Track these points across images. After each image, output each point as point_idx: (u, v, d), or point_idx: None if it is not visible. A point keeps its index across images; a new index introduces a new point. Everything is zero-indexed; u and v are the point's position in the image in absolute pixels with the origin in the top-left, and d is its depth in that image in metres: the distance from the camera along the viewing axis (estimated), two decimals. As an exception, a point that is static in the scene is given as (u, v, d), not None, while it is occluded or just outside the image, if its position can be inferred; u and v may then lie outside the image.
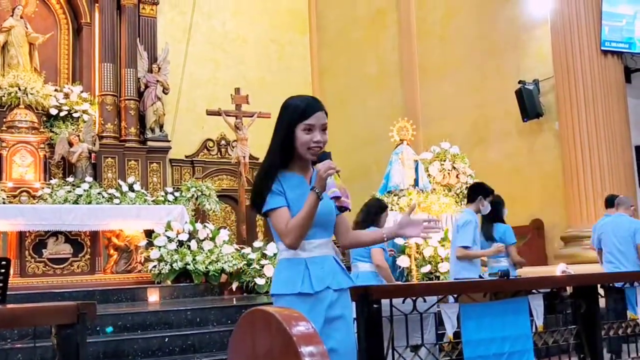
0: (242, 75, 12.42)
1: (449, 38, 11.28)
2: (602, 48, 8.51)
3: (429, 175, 8.82)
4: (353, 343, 2.62)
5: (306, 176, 2.58)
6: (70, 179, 9.56)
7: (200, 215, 10.49)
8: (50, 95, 10.20)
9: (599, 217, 6.89)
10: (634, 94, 9.14)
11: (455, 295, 3.49)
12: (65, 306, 2.37)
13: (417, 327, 3.41)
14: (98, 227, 8.82)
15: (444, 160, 8.98)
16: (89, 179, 9.63)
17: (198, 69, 12.22)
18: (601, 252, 6.43)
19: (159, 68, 10.95)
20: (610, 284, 4.60)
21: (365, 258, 5.36)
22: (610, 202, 6.64)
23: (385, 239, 2.68)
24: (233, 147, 11.23)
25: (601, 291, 4.15)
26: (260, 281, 8.01)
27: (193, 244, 8.43)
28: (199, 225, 8.78)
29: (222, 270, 8.23)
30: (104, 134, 10.36)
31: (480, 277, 5.13)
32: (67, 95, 10.51)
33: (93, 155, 9.97)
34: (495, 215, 5.77)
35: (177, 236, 8.50)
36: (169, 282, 8.22)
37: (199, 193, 10.31)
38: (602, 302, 4.14)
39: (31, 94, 9.79)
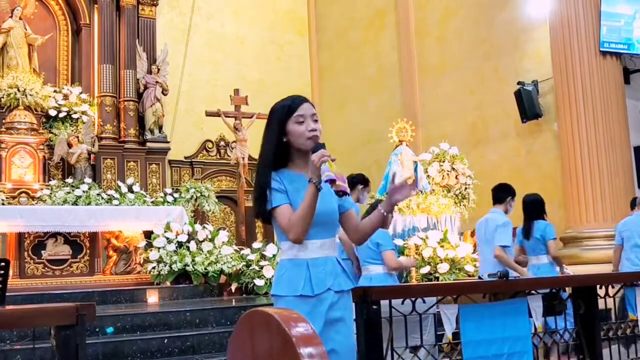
0: (241, 77, 12.42)
1: (447, 39, 11.29)
2: (601, 49, 8.51)
3: (428, 176, 8.82)
4: (353, 345, 2.62)
5: (307, 173, 2.56)
6: (69, 180, 9.55)
7: (199, 216, 10.49)
8: (50, 97, 10.20)
9: (598, 218, 6.94)
10: (633, 95, 9.15)
11: (454, 296, 3.49)
12: (64, 307, 2.36)
13: (416, 328, 3.41)
14: (97, 228, 8.82)
15: (443, 161, 8.98)
16: (88, 180, 9.63)
17: (197, 70, 12.22)
18: (620, 249, 6.48)
19: (158, 69, 10.95)
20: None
21: (377, 260, 5.27)
22: (633, 203, 6.90)
23: (385, 213, 2.63)
24: (232, 148, 11.23)
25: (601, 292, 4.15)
26: (259, 282, 8.01)
27: (192, 245, 8.43)
28: (198, 227, 8.78)
29: (222, 272, 8.23)
30: (103, 135, 10.35)
31: (480, 278, 5.15)
32: (66, 97, 10.50)
33: (92, 156, 9.97)
34: (537, 213, 5.94)
35: (176, 237, 8.51)
36: (168, 283, 8.22)
37: (198, 194, 10.31)
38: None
39: (30, 95, 9.79)
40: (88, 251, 8.97)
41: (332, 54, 13.68)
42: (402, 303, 3.30)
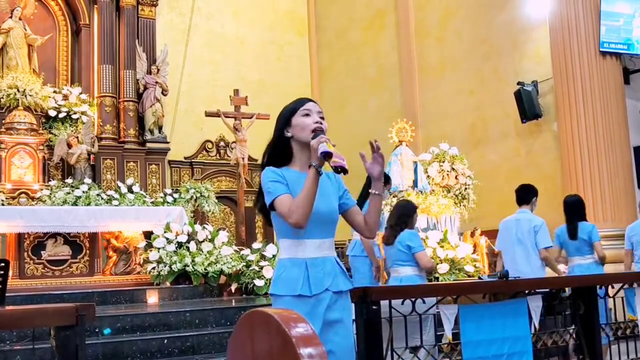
0: (241, 77, 12.41)
1: (447, 39, 11.29)
2: (601, 49, 8.52)
3: (428, 176, 8.82)
4: (351, 346, 2.62)
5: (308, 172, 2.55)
6: (69, 181, 9.55)
7: (199, 216, 10.49)
8: (49, 97, 10.20)
9: (598, 219, 6.95)
10: (633, 95, 9.15)
11: (454, 297, 3.49)
12: (64, 308, 2.37)
13: (416, 329, 3.41)
14: (97, 229, 8.81)
15: (443, 162, 8.98)
16: (88, 180, 9.62)
17: (197, 70, 12.22)
18: (630, 253, 6.51)
19: (158, 69, 10.95)
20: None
21: (406, 262, 5.25)
22: None
23: (376, 193, 2.64)
24: (232, 149, 11.22)
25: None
26: (259, 282, 8.00)
27: (192, 246, 8.43)
28: (198, 227, 8.77)
29: (221, 272, 8.22)
30: (103, 136, 10.35)
31: (480, 278, 5.15)
32: (66, 97, 10.50)
33: (92, 156, 9.97)
34: (580, 214, 6.08)
35: (176, 237, 8.50)
36: (168, 284, 8.21)
37: (198, 194, 10.31)
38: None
39: (30, 95, 9.79)
40: (88, 251, 8.97)
41: (332, 54, 13.68)
42: (402, 303, 3.30)
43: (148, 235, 8.81)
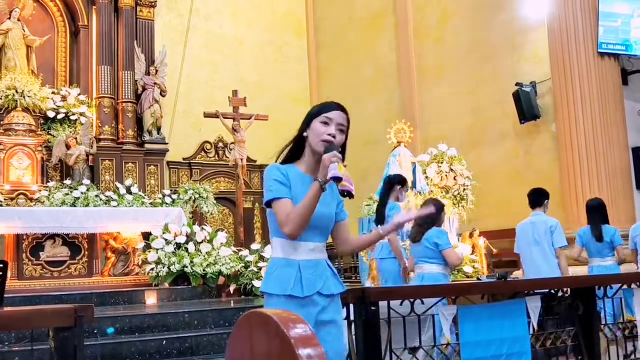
0: (239, 78, 12.42)
1: (446, 40, 11.30)
2: (599, 50, 8.53)
3: (426, 177, 8.83)
4: (342, 348, 2.63)
5: (314, 177, 2.52)
6: (67, 182, 9.54)
7: (198, 217, 10.49)
8: (48, 98, 10.20)
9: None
10: (631, 96, 9.15)
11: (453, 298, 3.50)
12: (62, 309, 2.36)
13: (415, 330, 3.41)
14: (96, 230, 8.81)
15: (442, 163, 8.99)
16: (86, 181, 9.62)
17: (196, 71, 12.23)
18: (636, 253, 6.56)
19: (157, 71, 10.95)
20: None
21: (433, 259, 5.29)
22: None
23: (382, 234, 2.68)
24: (231, 150, 11.22)
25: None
26: (258, 284, 8.00)
27: (191, 247, 8.43)
28: (196, 228, 8.77)
29: (220, 273, 8.22)
30: (102, 137, 10.35)
31: (479, 279, 5.18)
32: (64, 98, 10.50)
33: (91, 157, 9.96)
34: (603, 217, 6.30)
35: (174, 239, 8.50)
36: (166, 285, 8.21)
37: (197, 195, 10.30)
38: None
39: (29, 96, 9.79)
40: (86, 253, 8.96)
41: (331, 55, 13.69)
42: (401, 304, 3.30)
43: (147, 236, 8.81)
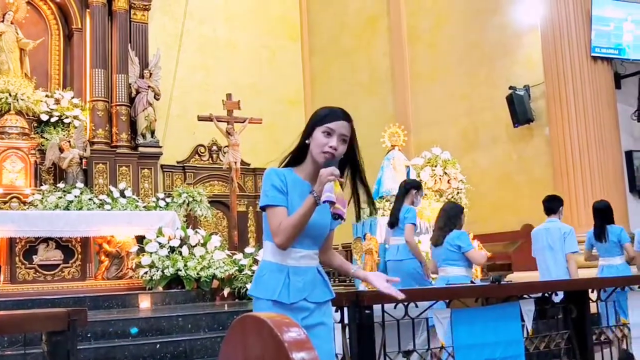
0: (233, 81, 12.41)
1: (439, 44, 11.33)
2: (592, 54, 8.57)
3: (420, 180, 8.83)
4: (331, 350, 2.62)
5: (312, 184, 2.49)
6: (61, 185, 9.52)
7: (191, 221, 10.47)
8: (41, 101, 10.17)
9: (589, 223, 6.96)
10: (624, 99, 9.19)
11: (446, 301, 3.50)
12: (55, 313, 2.36)
13: (409, 333, 3.41)
14: (89, 233, 8.78)
15: (435, 166, 8.99)
16: (80, 184, 9.59)
17: (189, 74, 12.22)
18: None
19: (150, 74, 10.94)
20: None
21: (456, 262, 5.33)
22: None
23: (356, 275, 2.67)
24: (224, 153, 11.22)
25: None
26: (251, 287, 7.98)
27: (184, 250, 8.42)
28: (190, 231, 8.76)
29: (214, 276, 8.21)
30: (95, 140, 10.33)
31: (472, 282, 5.19)
32: (58, 101, 10.48)
33: (84, 161, 9.94)
34: (609, 218, 6.43)
35: (168, 242, 8.48)
36: (160, 288, 8.19)
37: (191, 199, 10.29)
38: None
39: (22, 99, 9.76)
40: (80, 256, 8.93)
41: (325, 59, 13.70)
42: (395, 307, 3.30)
43: (140, 239, 8.79)
